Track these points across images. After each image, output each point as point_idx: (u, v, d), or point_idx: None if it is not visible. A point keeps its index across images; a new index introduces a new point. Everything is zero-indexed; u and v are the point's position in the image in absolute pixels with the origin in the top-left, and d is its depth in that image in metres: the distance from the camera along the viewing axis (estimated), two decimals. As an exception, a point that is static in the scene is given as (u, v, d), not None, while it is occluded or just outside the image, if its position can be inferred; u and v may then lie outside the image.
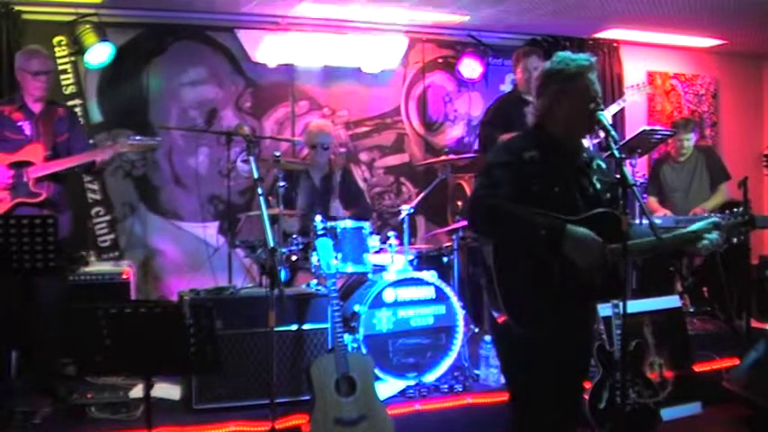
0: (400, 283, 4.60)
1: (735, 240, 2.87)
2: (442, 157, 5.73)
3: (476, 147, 6.68)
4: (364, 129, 6.77)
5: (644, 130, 5.65)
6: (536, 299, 2.73)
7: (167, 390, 4.22)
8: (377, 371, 4.26)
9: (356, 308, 4.46)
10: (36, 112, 4.37)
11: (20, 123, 4.32)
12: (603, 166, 2.95)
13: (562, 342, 2.78)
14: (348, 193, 5.49)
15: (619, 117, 6.92)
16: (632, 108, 6.92)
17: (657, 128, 6.27)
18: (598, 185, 2.87)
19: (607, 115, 2.82)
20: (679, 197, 6.01)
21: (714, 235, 2.78)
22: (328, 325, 4.29)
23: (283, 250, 4.62)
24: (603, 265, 2.71)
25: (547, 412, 2.84)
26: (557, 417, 2.85)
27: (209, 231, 6.20)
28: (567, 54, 2.89)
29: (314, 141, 5.39)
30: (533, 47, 6.28)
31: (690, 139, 6.05)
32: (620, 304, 2.83)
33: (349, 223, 4.67)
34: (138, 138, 4.53)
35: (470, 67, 6.77)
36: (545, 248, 2.67)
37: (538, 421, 2.86)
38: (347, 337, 4.25)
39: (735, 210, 2.90)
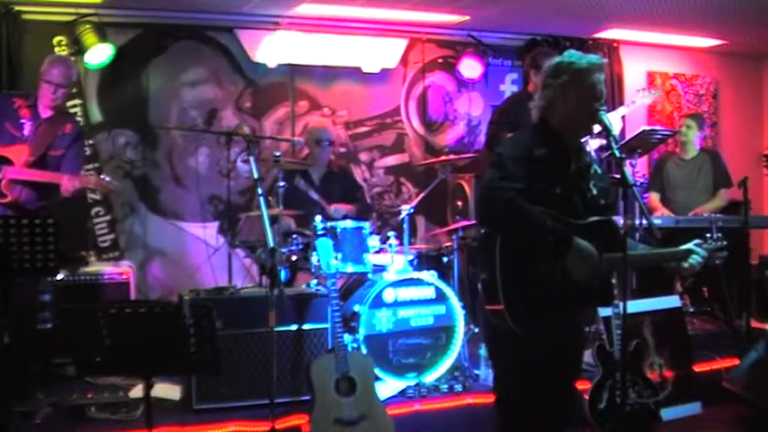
0: (400, 284, 4.60)
1: (717, 262, 2.88)
2: (442, 157, 5.74)
3: (482, 145, 6.68)
4: (364, 129, 6.77)
5: (644, 130, 5.66)
6: (536, 299, 2.73)
7: (167, 390, 4.21)
8: (377, 371, 4.27)
9: (356, 308, 4.46)
10: (42, 117, 4.38)
11: (23, 121, 4.33)
12: (600, 172, 2.97)
13: (554, 342, 2.80)
14: (346, 190, 5.48)
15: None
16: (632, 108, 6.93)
17: (657, 128, 6.27)
18: (595, 191, 2.89)
19: (616, 117, 2.85)
20: (682, 194, 6.00)
21: (698, 257, 2.79)
22: (328, 325, 4.29)
23: (283, 250, 4.62)
24: (598, 279, 2.74)
25: (535, 412, 2.85)
26: (545, 417, 2.86)
27: (209, 231, 6.20)
28: (579, 52, 2.91)
29: (315, 138, 5.39)
30: (550, 48, 6.25)
31: (690, 127, 6.01)
32: (621, 304, 2.85)
33: (349, 223, 4.67)
34: (107, 178, 4.55)
35: (470, 67, 6.77)
36: (550, 252, 2.69)
37: (525, 421, 2.87)
38: (347, 337, 4.24)
39: (711, 235, 2.92)
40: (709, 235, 2.90)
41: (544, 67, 2.95)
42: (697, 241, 2.84)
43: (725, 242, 2.89)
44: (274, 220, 4.51)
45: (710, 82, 7.86)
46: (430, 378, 4.55)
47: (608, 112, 2.86)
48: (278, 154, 4.62)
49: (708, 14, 6.29)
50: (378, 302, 4.51)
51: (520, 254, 2.73)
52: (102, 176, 4.56)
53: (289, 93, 6.48)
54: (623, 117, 6.10)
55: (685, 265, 2.80)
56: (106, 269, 5.27)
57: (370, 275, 4.75)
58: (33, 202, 4.34)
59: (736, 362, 4.85)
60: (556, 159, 2.81)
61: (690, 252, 2.80)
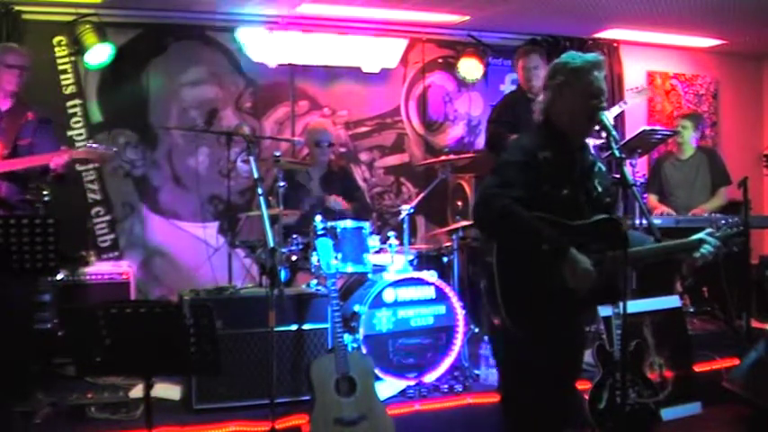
0: (400, 283, 4.60)
1: (735, 249, 2.84)
2: (442, 157, 5.73)
3: (481, 145, 6.68)
4: (364, 129, 6.77)
5: (644, 130, 5.66)
6: (535, 302, 2.73)
7: (167, 390, 4.22)
8: (377, 371, 4.27)
9: (356, 308, 4.46)
10: (2, 110, 4.30)
11: None
12: (603, 169, 2.96)
13: (555, 343, 2.80)
14: (346, 190, 5.48)
15: (619, 117, 6.91)
16: (632, 108, 6.91)
17: (657, 128, 6.28)
18: (599, 189, 2.88)
19: (609, 117, 2.85)
20: (681, 194, 5.99)
21: (710, 246, 2.76)
22: (328, 325, 4.29)
23: (283, 250, 4.62)
24: (590, 290, 2.72)
25: (535, 412, 2.86)
26: (545, 417, 2.87)
27: (209, 231, 6.20)
28: (577, 53, 2.90)
29: (315, 139, 5.40)
30: (534, 46, 6.30)
31: (686, 128, 6.02)
32: (621, 304, 2.84)
33: (349, 223, 4.67)
34: (94, 145, 4.47)
35: (470, 67, 6.77)
36: (548, 255, 2.69)
37: (529, 422, 2.88)
38: (347, 337, 4.24)
39: (730, 219, 2.87)
40: (723, 222, 2.86)
41: (540, 71, 2.96)
42: (709, 230, 2.80)
43: (741, 227, 2.83)
44: (274, 220, 4.51)
45: (710, 82, 7.86)
46: (430, 378, 4.55)
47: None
48: (278, 154, 4.62)
49: (708, 14, 6.29)
50: (378, 302, 4.51)
51: (517, 258, 2.73)
52: (91, 144, 4.48)
53: (289, 93, 6.48)
54: (617, 117, 6.10)
55: (697, 255, 2.75)
56: (106, 269, 5.28)
57: (370, 275, 4.75)
58: (15, 195, 4.28)
59: (736, 362, 4.84)
60: (561, 161, 2.80)
61: (701, 242, 2.76)
